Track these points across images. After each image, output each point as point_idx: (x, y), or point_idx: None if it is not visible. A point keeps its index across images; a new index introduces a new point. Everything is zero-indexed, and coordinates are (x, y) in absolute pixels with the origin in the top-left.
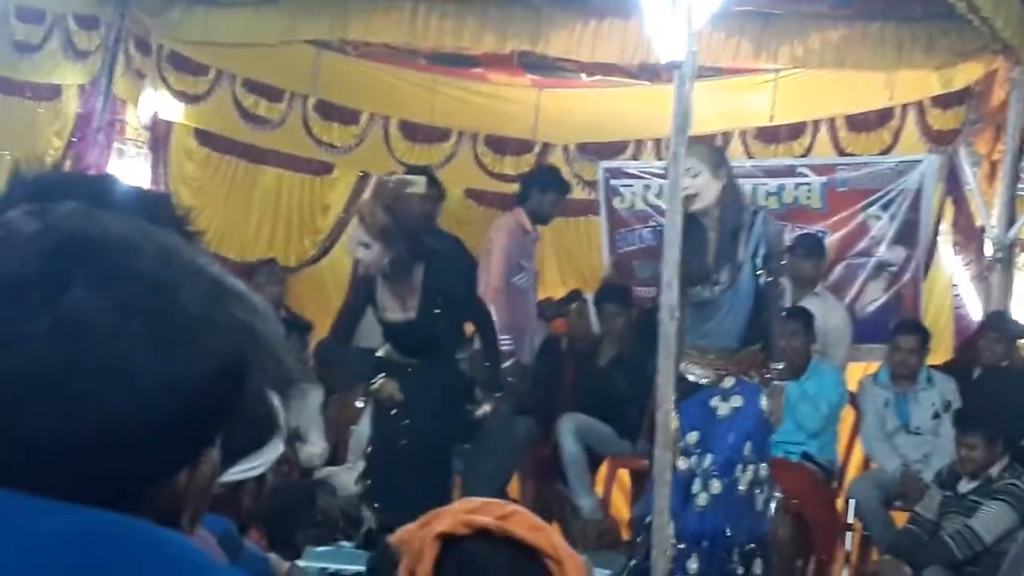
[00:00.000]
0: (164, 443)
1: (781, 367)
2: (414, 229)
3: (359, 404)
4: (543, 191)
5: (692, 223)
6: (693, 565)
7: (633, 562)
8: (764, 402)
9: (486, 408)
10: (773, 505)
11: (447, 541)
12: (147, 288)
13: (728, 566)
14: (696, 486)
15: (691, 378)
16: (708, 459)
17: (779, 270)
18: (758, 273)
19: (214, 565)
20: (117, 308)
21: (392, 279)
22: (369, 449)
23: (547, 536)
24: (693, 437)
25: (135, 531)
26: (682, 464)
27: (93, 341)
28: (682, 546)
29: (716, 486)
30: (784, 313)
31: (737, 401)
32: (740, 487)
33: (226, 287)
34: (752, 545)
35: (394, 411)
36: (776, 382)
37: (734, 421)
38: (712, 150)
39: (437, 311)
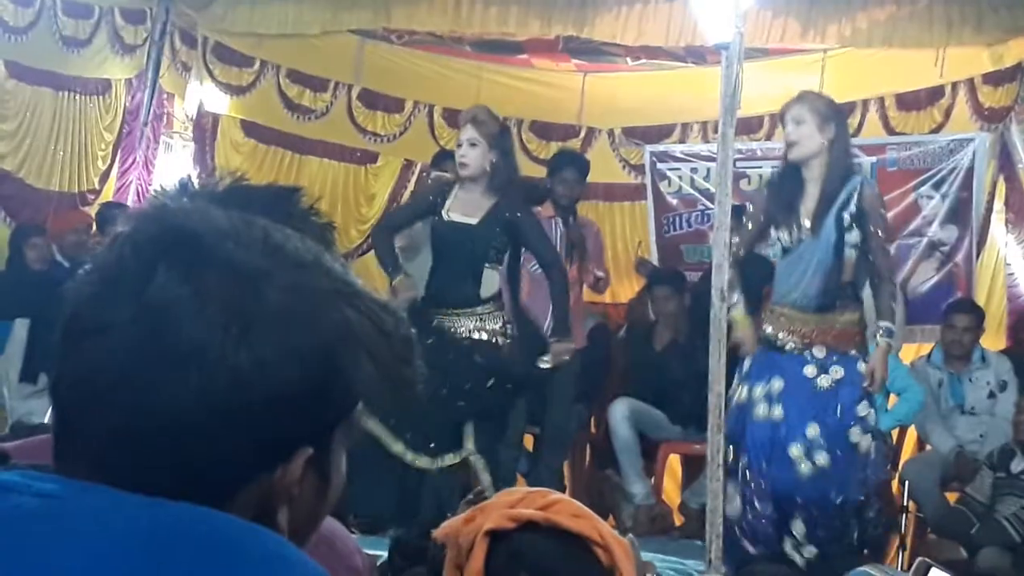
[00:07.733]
0: (244, 437)
1: (886, 331)
2: (513, 157)
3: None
4: (551, 174)
5: (790, 171)
6: (800, 527)
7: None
8: (862, 367)
9: (562, 354)
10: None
11: (495, 536)
12: (230, 276)
13: (837, 523)
14: (795, 451)
15: (778, 343)
16: (814, 429)
17: (878, 235)
18: (845, 228)
19: (300, 561)
20: (197, 295)
21: (472, 186)
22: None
23: (591, 523)
24: (778, 411)
25: (220, 524)
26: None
27: (172, 327)
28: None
29: (823, 457)
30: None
31: (838, 372)
32: (860, 450)
33: (331, 283)
34: (864, 496)
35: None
36: (879, 343)
37: (839, 393)
38: (826, 104)
39: (498, 229)
